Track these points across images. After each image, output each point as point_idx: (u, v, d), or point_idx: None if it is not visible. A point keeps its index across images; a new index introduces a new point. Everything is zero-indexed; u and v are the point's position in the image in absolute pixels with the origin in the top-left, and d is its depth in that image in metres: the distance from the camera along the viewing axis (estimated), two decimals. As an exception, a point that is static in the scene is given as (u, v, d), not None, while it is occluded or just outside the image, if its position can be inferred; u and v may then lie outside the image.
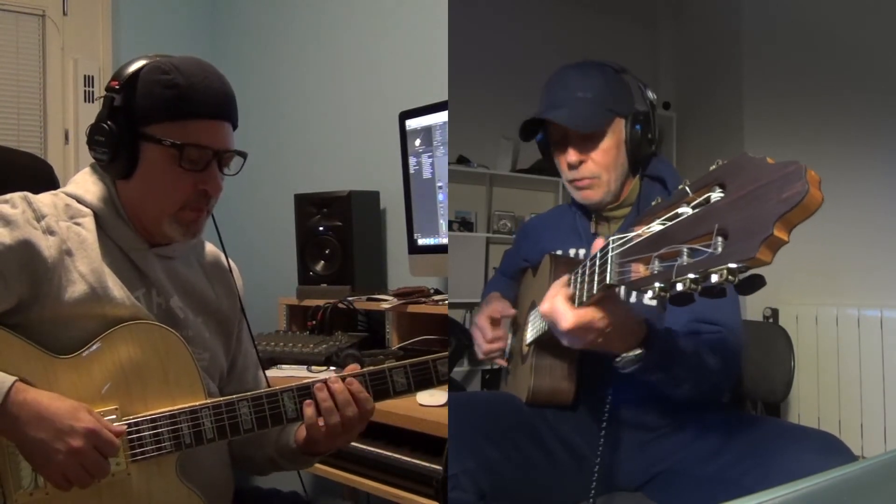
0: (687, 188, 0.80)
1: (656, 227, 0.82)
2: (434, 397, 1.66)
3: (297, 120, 3.04)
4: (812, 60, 3.16)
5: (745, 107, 3.49)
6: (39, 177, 1.57)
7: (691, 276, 0.73)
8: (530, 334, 1.38)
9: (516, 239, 1.75)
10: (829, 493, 0.58)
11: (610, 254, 0.90)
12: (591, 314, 0.99)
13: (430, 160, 2.24)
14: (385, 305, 2.19)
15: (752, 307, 3.08)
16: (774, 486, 0.96)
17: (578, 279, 1.02)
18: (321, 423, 1.21)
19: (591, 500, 1.21)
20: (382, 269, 2.63)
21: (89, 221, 1.19)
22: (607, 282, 0.91)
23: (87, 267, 1.15)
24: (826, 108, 3.07)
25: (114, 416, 1.12)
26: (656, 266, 0.79)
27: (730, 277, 0.70)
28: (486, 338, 1.49)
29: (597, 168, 1.35)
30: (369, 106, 2.70)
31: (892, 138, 2.85)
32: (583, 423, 1.36)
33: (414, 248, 2.31)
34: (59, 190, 1.24)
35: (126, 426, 1.12)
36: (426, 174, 2.25)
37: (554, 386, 1.31)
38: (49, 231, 1.14)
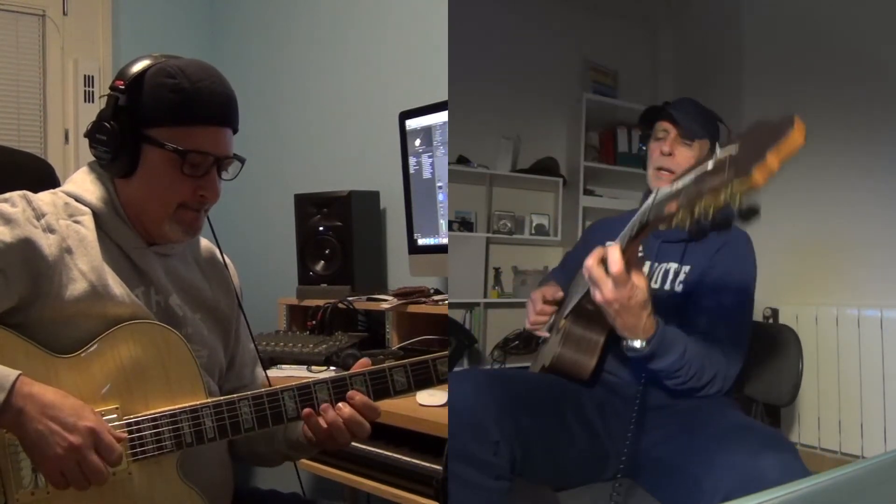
0: (718, 148, 0.97)
1: (689, 178, 0.99)
2: (434, 397, 1.66)
3: (297, 120, 3.04)
4: (812, 60, 3.15)
5: (744, 106, 3.49)
6: (39, 177, 1.57)
7: (707, 195, 0.91)
8: (570, 306, 1.45)
9: (581, 237, 1.92)
10: (830, 493, 0.58)
11: (653, 200, 1.09)
12: (633, 277, 1.15)
13: (430, 160, 2.24)
14: (385, 305, 2.19)
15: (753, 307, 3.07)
16: (719, 476, 1.09)
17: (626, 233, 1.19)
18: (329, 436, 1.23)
19: (615, 480, 1.28)
20: (382, 269, 2.63)
21: (88, 220, 1.19)
22: (648, 218, 1.09)
23: (87, 265, 1.15)
24: (826, 108, 3.06)
25: (114, 416, 1.12)
26: (683, 200, 0.96)
27: (732, 197, 0.88)
28: (535, 309, 1.62)
29: (681, 166, 1.50)
30: (369, 106, 2.70)
31: (893, 137, 2.85)
32: (599, 402, 1.44)
33: (414, 248, 2.31)
34: (57, 189, 1.24)
35: (126, 432, 1.12)
36: (426, 174, 2.25)
37: (577, 358, 1.39)
38: (49, 229, 1.14)
